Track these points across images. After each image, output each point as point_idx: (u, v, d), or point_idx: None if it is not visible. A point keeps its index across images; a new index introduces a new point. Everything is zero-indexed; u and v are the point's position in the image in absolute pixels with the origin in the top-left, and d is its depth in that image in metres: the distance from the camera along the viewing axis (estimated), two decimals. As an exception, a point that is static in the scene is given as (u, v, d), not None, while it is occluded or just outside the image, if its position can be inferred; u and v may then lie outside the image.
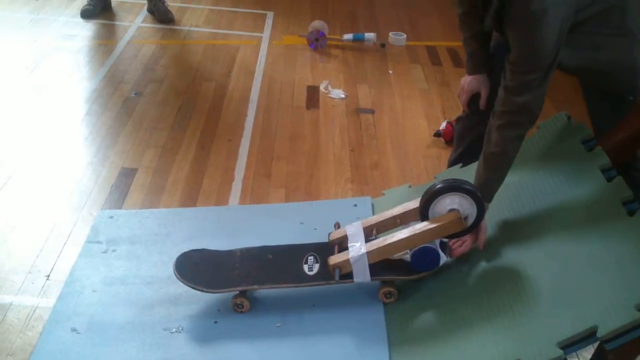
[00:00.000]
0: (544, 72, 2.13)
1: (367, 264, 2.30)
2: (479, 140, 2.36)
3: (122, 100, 3.91)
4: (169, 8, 5.09)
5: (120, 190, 3.10)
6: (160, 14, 5.04)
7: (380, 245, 2.32)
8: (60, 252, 2.71)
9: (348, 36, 4.85)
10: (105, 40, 4.74)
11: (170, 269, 2.40)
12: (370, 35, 4.84)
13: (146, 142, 3.50)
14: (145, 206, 3.00)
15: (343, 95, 4.11)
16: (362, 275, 2.32)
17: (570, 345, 1.86)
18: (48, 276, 2.58)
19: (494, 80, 2.45)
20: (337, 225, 2.53)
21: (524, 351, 1.91)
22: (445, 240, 2.38)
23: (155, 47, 4.64)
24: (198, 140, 3.55)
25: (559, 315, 1.95)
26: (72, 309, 2.39)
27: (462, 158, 2.88)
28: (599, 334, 1.82)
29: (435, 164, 3.40)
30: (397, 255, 2.37)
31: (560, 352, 1.84)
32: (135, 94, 3.98)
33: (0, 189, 3.05)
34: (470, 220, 2.31)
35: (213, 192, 3.13)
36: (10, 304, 2.44)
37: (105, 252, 2.66)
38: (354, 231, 2.42)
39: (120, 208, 2.98)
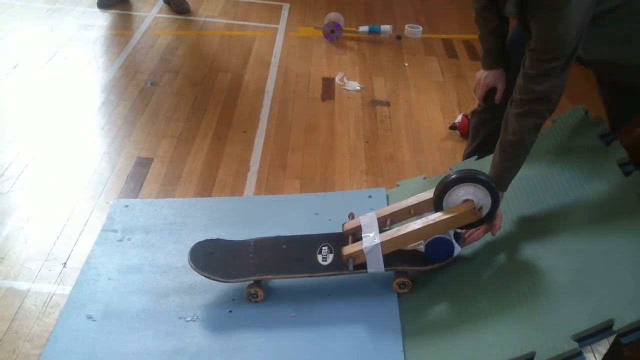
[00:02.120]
0: (565, 61, 2.12)
1: (380, 254, 2.30)
2: (494, 134, 2.35)
3: (138, 90, 3.93)
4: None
5: (136, 180, 3.11)
6: (176, 4, 5.04)
7: (394, 235, 2.31)
8: (77, 240, 2.73)
9: (364, 28, 4.84)
10: (122, 30, 4.75)
11: (185, 259, 2.41)
12: (386, 28, 4.83)
13: (162, 132, 3.51)
14: (161, 196, 3.01)
15: (358, 87, 4.11)
16: (375, 265, 2.32)
17: (586, 338, 1.86)
18: (64, 264, 2.60)
19: (511, 75, 2.44)
20: (352, 216, 2.53)
21: (539, 343, 1.91)
22: (460, 231, 2.38)
23: (171, 38, 4.65)
24: (214, 130, 3.56)
25: (575, 308, 1.95)
26: (88, 296, 2.40)
27: (477, 151, 2.88)
28: (615, 327, 1.81)
29: (451, 157, 3.39)
30: (411, 246, 2.37)
31: (576, 344, 1.84)
32: (151, 84, 4.00)
33: (18, 178, 3.07)
34: (485, 210, 2.30)
35: (228, 183, 3.14)
36: (28, 291, 2.46)
37: (120, 240, 2.67)
38: (368, 222, 2.42)
39: (135, 197, 3.00)
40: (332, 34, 4.74)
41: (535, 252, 2.27)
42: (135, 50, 4.43)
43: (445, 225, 2.30)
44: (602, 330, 1.85)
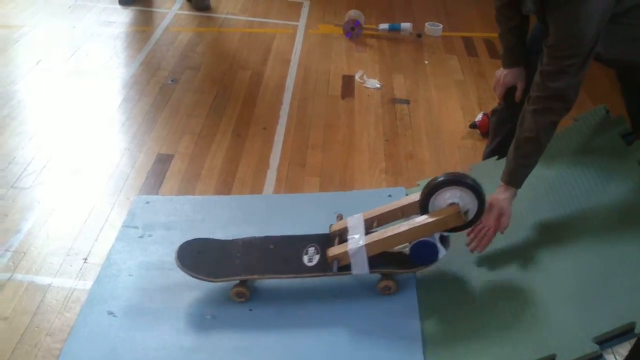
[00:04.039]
0: (583, 59, 2.11)
1: (365, 256, 2.30)
2: (514, 133, 2.34)
3: (158, 86, 3.94)
4: (206, -4, 5.12)
5: (157, 176, 3.13)
6: (197, 1, 5.06)
7: (380, 237, 2.31)
8: (98, 235, 2.74)
9: (384, 26, 4.83)
10: (143, 27, 4.77)
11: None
12: (406, 25, 4.82)
13: (182, 128, 3.53)
14: (181, 192, 3.03)
15: (378, 85, 4.11)
16: (360, 267, 2.32)
17: (607, 340, 1.85)
18: (85, 259, 2.62)
19: (531, 73, 2.43)
20: (340, 217, 2.52)
21: (559, 345, 1.90)
22: (446, 234, 2.37)
23: (191, 35, 4.67)
24: (234, 127, 3.57)
25: (595, 311, 1.94)
26: (109, 292, 2.42)
27: (497, 150, 2.87)
28: (637, 330, 1.80)
29: (471, 156, 3.38)
30: (397, 248, 2.37)
31: (597, 347, 1.83)
32: (172, 80, 4.01)
33: (40, 173, 3.10)
34: (471, 214, 2.30)
35: (248, 180, 3.15)
36: (49, 285, 2.48)
37: (141, 236, 2.69)
38: (354, 223, 2.42)
39: (156, 194, 3.01)
40: (352, 31, 4.74)
41: (555, 254, 2.26)
42: (156, 46, 4.45)
43: (430, 228, 2.29)
44: (623, 333, 1.83)
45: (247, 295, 2.37)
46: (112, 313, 2.34)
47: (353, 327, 2.29)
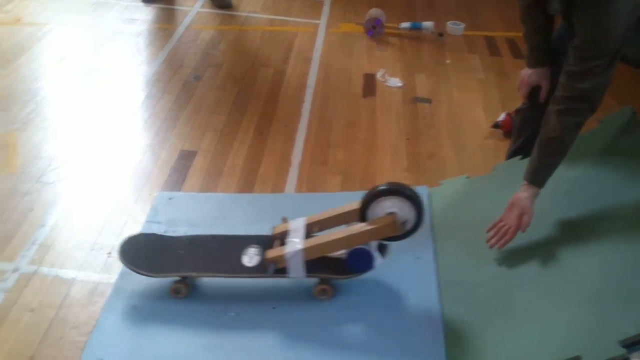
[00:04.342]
0: (609, 60, 2.10)
1: (302, 260, 2.31)
2: (538, 133, 2.34)
3: (181, 84, 3.96)
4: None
5: (179, 173, 3.14)
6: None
7: (317, 243, 2.32)
8: (122, 230, 2.76)
9: (405, 24, 4.82)
10: (165, 24, 4.79)
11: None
12: (427, 24, 4.80)
13: (205, 126, 3.54)
14: (203, 189, 3.04)
15: (400, 84, 4.10)
16: (297, 271, 2.33)
17: (634, 344, 1.84)
18: (109, 253, 2.63)
19: (556, 73, 2.43)
20: (285, 220, 2.50)
21: (584, 347, 1.90)
22: (386, 242, 2.38)
23: (213, 32, 4.68)
24: (256, 125, 3.58)
25: (622, 314, 1.93)
26: (133, 286, 2.44)
27: (521, 150, 2.87)
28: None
29: (493, 156, 3.36)
30: (337, 254, 2.37)
31: (623, 350, 1.82)
32: (194, 78, 4.03)
33: (64, 168, 3.12)
34: (409, 225, 2.31)
35: (270, 178, 3.15)
36: (74, 279, 2.51)
37: (165, 232, 2.70)
38: (296, 226, 2.42)
39: (179, 190, 3.03)
40: (374, 30, 4.74)
41: (578, 253, 2.26)
42: (179, 44, 4.47)
43: (366, 236, 2.30)
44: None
45: (184, 292, 2.39)
46: (135, 307, 2.36)
47: (374, 326, 2.30)
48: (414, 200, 2.27)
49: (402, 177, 3.20)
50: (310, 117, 3.69)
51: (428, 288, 2.41)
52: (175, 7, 5.07)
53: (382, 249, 2.36)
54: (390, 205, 2.28)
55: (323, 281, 2.38)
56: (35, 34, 4.48)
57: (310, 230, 2.41)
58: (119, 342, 2.23)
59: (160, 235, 2.59)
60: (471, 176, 3.02)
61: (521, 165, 2.67)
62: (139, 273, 2.38)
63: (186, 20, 4.83)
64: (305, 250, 2.30)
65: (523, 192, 2.32)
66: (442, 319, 2.27)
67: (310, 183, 3.14)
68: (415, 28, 4.81)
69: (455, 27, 4.89)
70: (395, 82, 4.12)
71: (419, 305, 2.36)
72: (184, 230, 2.70)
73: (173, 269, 2.41)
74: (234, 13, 5.04)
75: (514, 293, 2.29)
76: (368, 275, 2.39)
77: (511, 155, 2.97)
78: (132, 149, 3.34)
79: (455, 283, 2.40)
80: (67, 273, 2.54)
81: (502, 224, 2.37)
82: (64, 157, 3.21)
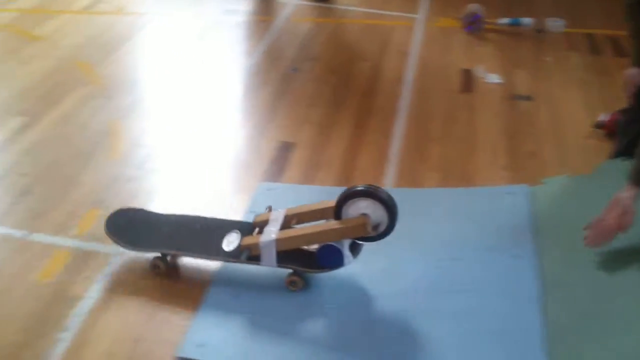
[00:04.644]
0: None
1: (274, 250, 2.37)
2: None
3: (280, 75, 4.02)
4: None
5: (279, 164, 3.19)
6: (317, -8, 5.12)
7: (290, 235, 2.40)
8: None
9: (504, 20, 4.75)
10: (264, 16, 4.87)
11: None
12: (527, 20, 4.72)
13: (303, 118, 3.59)
14: (302, 181, 3.08)
15: (499, 81, 4.05)
16: (269, 260, 2.40)
17: None
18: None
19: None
20: (269, 209, 2.57)
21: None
22: (360, 242, 2.41)
23: (311, 25, 4.73)
24: (353, 118, 3.60)
25: None
26: (235, 274, 2.51)
27: (625, 151, 2.80)
28: None
29: (594, 156, 3.28)
30: (312, 247, 2.41)
31: None
32: (293, 70, 4.08)
33: (164, 157, 3.23)
34: (381, 228, 2.33)
35: (368, 172, 3.17)
36: (183, 264, 2.58)
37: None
38: (275, 217, 2.49)
39: (278, 181, 3.07)
40: (472, 25, 4.69)
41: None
42: (277, 36, 4.54)
43: (336, 233, 2.34)
44: None
45: (162, 268, 2.50)
46: (236, 296, 2.42)
47: (471, 324, 2.29)
48: (388, 204, 2.29)
49: (500, 176, 3.16)
50: (408, 111, 3.69)
51: (528, 287, 2.38)
52: (275, -1, 5.15)
53: (354, 248, 2.40)
54: (364, 207, 2.32)
55: (294, 273, 2.43)
56: (136, 24, 4.64)
57: (288, 222, 2.48)
58: (221, 327, 2.29)
59: (149, 211, 2.72)
60: (572, 176, 2.96)
61: (624, 166, 2.61)
62: (119, 245, 2.51)
63: (285, 13, 4.89)
64: (278, 240, 2.38)
65: (626, 192, 2.28)
66: (542, 319, 2.24)
67: (408, 178, 3.14)
68: (514, 24, 4.74)
69: (555, 24, 4.78)
70: (494, 78, 4.07)
71: (516, 304, 2.34)
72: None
73: (153, 245, 2.53)
74: (332, 6, 5.07)
75: (616, 298, 2.24)
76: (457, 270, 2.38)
77: (615, 155, 2.91)
78: (232, 140, 3.41)
79: (558, 283, 2.36)
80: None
81: (600, 222, 2.32)
82: (165, 145, 3.31)
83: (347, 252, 2.36)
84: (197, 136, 3.41)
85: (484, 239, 2.67)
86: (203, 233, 2.57)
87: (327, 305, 2.38)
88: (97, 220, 2.69)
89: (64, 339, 2.22)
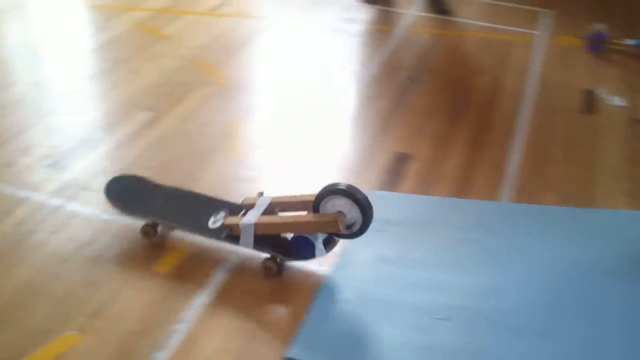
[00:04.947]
0: None
1: (252, 233, 2.48)
2: None
3: (397, 86, 4.02)
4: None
5: (393, 175, 3.19)
6: (437, 4, 5.09)
7: (267, 221, 2.50)
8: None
9: (631, 41, 4.60)
10: (383, 25, 4.89)
11: (439, 257, 2.47)
12: (654, 42, 4.57)
13: (419, 129, 3.58)
14: (416, 192, 3.07)
15: (622, 104, 3.92)
16: (246, 242, 2.51)
17: None
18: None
19: None
20: (260, 194, 2.66)
21: None
22: (337, 238, 2.50)
23: (430, 37, 4.72)
24: (470, 132, 3.57)
25: None
26: (345, 280, 2.52)
27: None
28: None
29: None
30: (289, 236, 2.52)
31: None
32: (410, 80, 4.08)
33: (278, 160, 3.28)
34: (355, 227, 2.42)
35: (483, 187, 3.13)
36: (290, 267, 2.60)
37: (378, 231, 2.75)
38: (261, 203, 2.59)
39: (393, 191, 3.07)
40: (596, 45, 4.56)
41: None
42: (395, 46, 4.54)
43: (308, 226, 2.45)
44: None
45: (151, 236, 2.65)
46: (347, 300, 2.43)
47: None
48: (364, 206, 2.37)
49: (622, 202, 3.06)
50: (527, 129, 3.62)
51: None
52: (395, 9, 5.15)
53: (328, 243, 2.49)
54: (341, 205, 2.39)
55: (270, 258, 2.52)
56: (257, 27, 4.74)
57: (272, 209, 2.57)
58: (330, 332, 2.30)
59: (147, 180, 2.85)
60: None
61: None
62: (114, 208, 2.68)
63: (404, 23, 4.90)
64: (257, 224, 2.48)
65: None
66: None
67: (524, 196, 3.07)
68: (641, 46, 4.59)
69: (684, 47, 4.60)
70: (617, 101, 3.95)
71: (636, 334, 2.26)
72: (396, 231, 2.75)
73: (145, 212, 2.66)
74: (451, 19, 5.04)
75: None
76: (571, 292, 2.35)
77: None
78: (346, 148, 3.44)
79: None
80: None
81: None
82: (279, 149, 3.36)
83: (320, 246, 2.46)
84: (311, 142, 3.45)
85: (601, 263, 2.60)
86: (194, 208, 2.70)
87: (435, 315, 2.36)
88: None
89: (179, 331, 2.28)
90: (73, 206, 2.85)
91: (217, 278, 2.52)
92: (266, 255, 2.54)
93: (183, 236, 2.69)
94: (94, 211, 2.80)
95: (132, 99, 3.71)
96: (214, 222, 2.60)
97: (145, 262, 2.57)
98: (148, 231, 2.65)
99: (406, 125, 3.62)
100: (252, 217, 2.51)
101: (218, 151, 3.30)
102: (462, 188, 3.12)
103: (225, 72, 4.08)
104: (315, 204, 2.45)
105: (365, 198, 2.39)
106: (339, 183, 2.43)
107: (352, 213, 2.40)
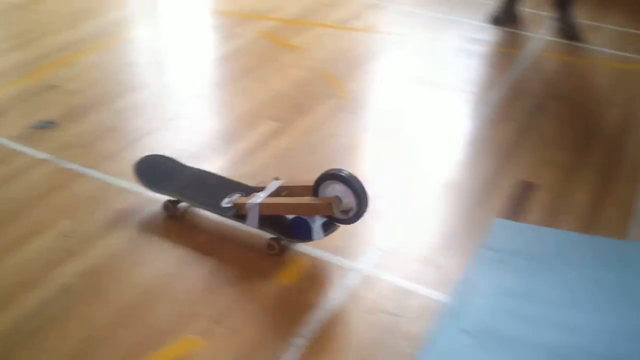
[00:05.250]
0: None
1: (257, 213, 2.63)
2: None
3: (523, 111, 3.93)
4: (578, 25, 4.98)
5: (517, 203, 3.11)
6: (568, 29, 4.95)
7: (270, 202, 2.65)
8: (455, 250, 2.80)
9: None
10: (509, 48, 4.80)
11: (563, 293, 2.45)
12: None
13: (545, 158, 3.48)
14: (541, 223, 2.98)
15: None
16: (252, 221, 2.66)
17: None
18: (442, 271, 2.67)
19: None
20: (276, 179, 2.79)
21: None
22: (337, 224, 2.63)
23: (559, 62, 4.60)
24: (598, 165, 3.45)
25: None
26: (464, 309, 2.47)
27: None
28: None
29: None
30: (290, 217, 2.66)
31: None
32: (537, 107, 3.98)
33: (398, 183, 3.26)
34: (351, 213, 2.56)
35: (611, 223, 3.01)
36: (409, 290, 2.58)
37: (499, 261, 2.70)
38: (271, 186, 2.74)
39: (516, 220, 3.00)
40: None
41: None
42: (522, 70, 4.45)
43: (304, 208, 2.60)
44: None
45: (172, 210, 2.84)
46: (466, 332, 2.38)
47: None
48: (359, 193, 2.51)
49: None
50: (662, 167, 3.48)
51: None
52: (521, 31, 5.05)
53: (327, 227, 2.62)
54: (339, 191, 2.54)
55: (273, 238, 2.67)
56: (383, 42, 4.75)
57: (280, 192, 2.71)
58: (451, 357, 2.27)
59: (175, 160, 3.06)
60: None
61: None
62: (141, 184, 2.87)
63: (531, 47, 4.79)
64: (261, 205, 2.63)
65: None
66: None
67: (656, 239, 2.95)
68: None
69: None
70: None
71: None
72: (520, 263, 2.69)
73: (168, 190, 2.84)
74: (583, 45, 4.89)
75: None
76: None
77: None
78: (468, 171, 3.39)
79: None
80: (401, 282, 2.61)
81: None
82: (397, 170, 3.33)
83: (317, 229, 2.60)
84: (430, 163, 3.42)
85: None
86: (213, 188, 2.87)
87: (556, 354, 2.28)
88: (338, 233, 2.76)
89: (298, 345, 2.29)
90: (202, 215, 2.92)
91: (338, 295, 2.53)
92: (271, 235, 2.69)
93: (305, 250, 2.72)
94: (217, 218, 2.85)
95: (259, 108, 3.78)
96: (228, 202, 2.75)
97: (267, 273, 2.61)
98: (168, 206, 2.85)
99: (531, 153, 3.53)
100: (258, 198, 2.66)
101: (342, 166, 3.30)
102: (589, 222, 3.01)
103: (350, 86, 4.10)
104: (314, 188, 2.59)
105: (362, 187, 2.53)
106: (340, 169, 2.55)
107: (348, 199, 2.54)
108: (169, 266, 2.62)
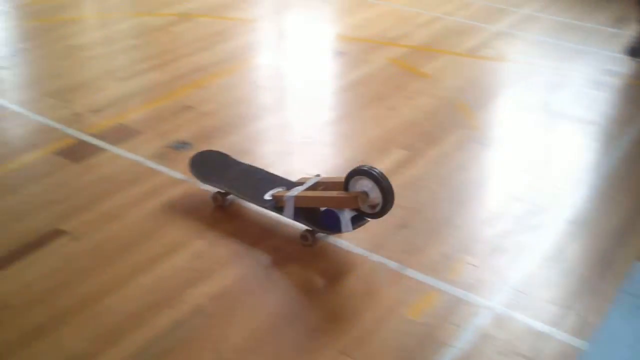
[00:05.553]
0: None
1: (293, 205, 2.81)
2: None
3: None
4: None
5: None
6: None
7: (304, 195, 2.82)
8: (592, 294, 2.69)
9: None
10: (647, 82, 4.60)
11: None
12: None
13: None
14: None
15: None
16: (288, 213, 2.85)
17: None
18: (581, 317, 2.56)
19: None
20: (317, 176, 2.98)
21: None
22: (367, 218, 2.75)
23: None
24: None
25: None
26: (603, 358, 2.36)
27: None
28: None
29: None
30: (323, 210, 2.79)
31: None
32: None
33: (535, 217, 3.16)
34: (378, 208, 2.67)
35: None
36: (544, 333, 2.49)
37: (639, 307, 2.57)
38: (309, 181, 2.92)
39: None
40: None
41: None
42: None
43: (332, 201, 2.74)
44: None
45: (220, 201, 3.07)
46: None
47: None
48: (385, 190, 2.62)
49: None
50: None
51: None
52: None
53: (356, 220, 2.74)
54: (367, 186, 2.66)
55: (307, 230, 2.84)
56: (516, 72, 4.70)
57: (317, 187, 2.88)
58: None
59: (227, 156, 3.29)
60: None
61: None
62: (195, 176, 3.11)
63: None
64: (296, 198, 2.81)
65: None
66: None
67: None
68: None
69: None
70: None
71: None
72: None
73: (218, 182, 3.06)
74: None
75: None
76: None
77: None
78: (604, 210, 3.26)
79: None
80: (537, 325, 2.53)
81: None
82: (527, 207, 3.22)
83: (346, 221, 2.72)
84: (562, 200, 3.31)
85: None
86: (259, 183, 3.06)
87: None
88: (469, 268, 2.70)
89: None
90: (331, 239, 2.94)
91: (470, 333, 2.47)
92: (306, 227, 2.84)
93: (435, 284, 2.67)
94: (345, 243, 2.86)
95: (389, 136, 3.77)
96: (269, 195, 2.93)
97: (398, 305, 2.59)
98: (217, 197, 3.08)
99: None
100: (295, 192, 2.84)
101: (472, 198, 3.26)
102: None
103: (481, 115, 4.03)
104: (345, 183, 2.72)
105: (388, 184, 2.62)
106: (370, 167, 2.66)
107: (375, 194, 2.65)
108: (299, 292, 2.63)
